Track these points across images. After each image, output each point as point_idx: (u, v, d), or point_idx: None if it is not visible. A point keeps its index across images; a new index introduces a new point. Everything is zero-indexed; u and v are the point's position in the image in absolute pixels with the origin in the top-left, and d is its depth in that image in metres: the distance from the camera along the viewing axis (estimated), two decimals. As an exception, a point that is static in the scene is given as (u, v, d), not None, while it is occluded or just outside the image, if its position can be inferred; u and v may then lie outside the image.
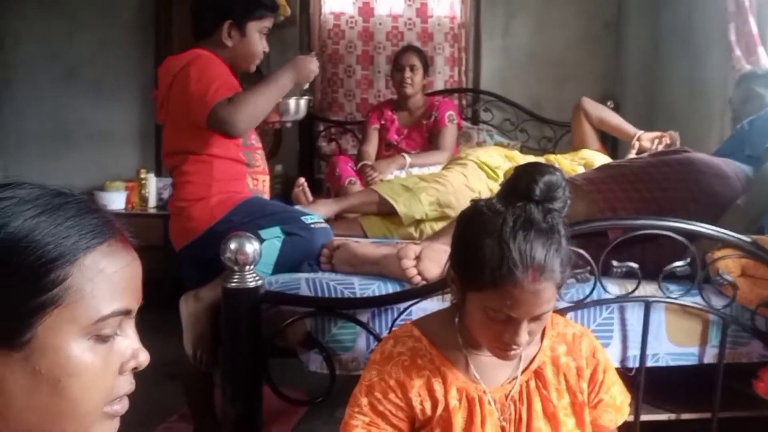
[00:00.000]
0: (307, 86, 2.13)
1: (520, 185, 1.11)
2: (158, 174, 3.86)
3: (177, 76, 1.92)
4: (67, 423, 0.62)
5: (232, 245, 1.40)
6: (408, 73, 3.24)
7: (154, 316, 2.20)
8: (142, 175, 3.78)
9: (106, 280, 0.62)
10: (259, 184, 2.02)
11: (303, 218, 1.83)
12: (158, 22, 3.91)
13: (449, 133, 3.22)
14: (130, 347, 0.66)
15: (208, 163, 1.92)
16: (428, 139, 3.26)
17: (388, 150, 3.26)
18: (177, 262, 2.01)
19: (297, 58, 2.04)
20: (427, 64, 3.30)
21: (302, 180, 2.44)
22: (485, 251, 1.04)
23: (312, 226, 1.80)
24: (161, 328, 1.98)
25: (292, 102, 2.17)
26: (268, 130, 2.71)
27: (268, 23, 2.04)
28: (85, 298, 0.61)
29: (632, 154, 2.71)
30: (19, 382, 0.59)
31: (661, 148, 2.60)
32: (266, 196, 2.06)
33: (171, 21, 3.87)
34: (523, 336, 1.06)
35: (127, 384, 0.66)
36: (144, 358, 0.67)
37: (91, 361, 0.62)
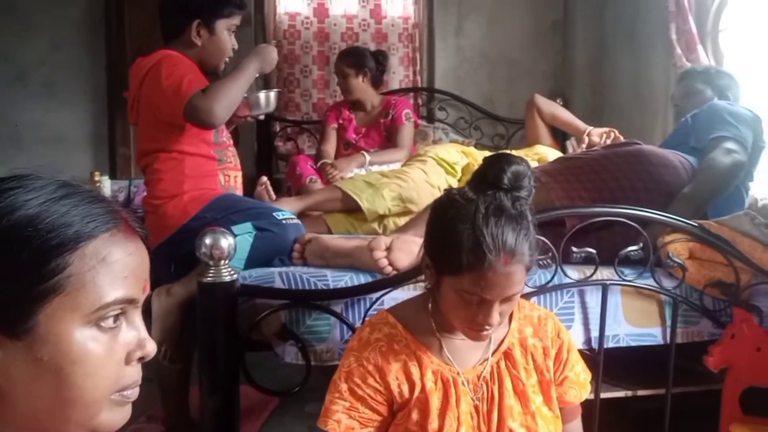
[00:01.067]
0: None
1: (489, 174, 1.18)
2: (113, 176, 3.80)
3: (147, 75, 1.93)
4: (72, 411, 0.62)
5: (207, 240, 1.42)
6: (340, 80, 3.31)
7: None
8: (96, 178, 3.71)
9: (108, 269, 0.62)
10: (231, 180, 2.03)
11: (275, 214, 1.85)
12: (109, 23, 3.85)
13: (406, 131, 3.27)
14: (136, 337, 0.66)
15: (179, 160, 1.94)
16: (386, 138, 3.31)
17: (346, 149, 3.30)
18: (153, 257, 2.00)
19: (260, 47, 2.07)
20: (362, 65, 3.24)
21: (264, 179, 2.46)
22: (460, 237, 1.10)
23: (284, 221, 1.83)
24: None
25: (262, 95, 2.20)
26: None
27: (236, 21, 2.07)
28: (87, 286, 0.61)
29: (582, 149, 2.83)
30: (24, 370, 0.60)
31: (608, 142, 2.72)
32: (239, 192, 2.08)
33: (122, 21, 3.82)
34: (495, 316, 1.13)
35: (135, 374, 0.66)
36: (151, 348, 0.67)
37: (94, 349, 0.62)
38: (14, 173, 0.64)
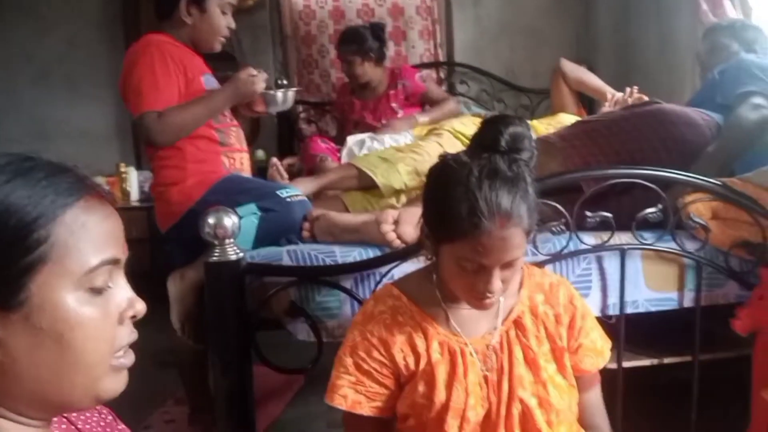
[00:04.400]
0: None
1: (486, 137, 1.13)
2: (138, 167, 3.85)
3: (127, 68, 1.93)
4: (76, 375, 0.64)
5: (211, 220, 1.41)
6: (345, 67, 3.28)
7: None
8: (122, 170, 3.77)
9: (89, 233, 0.64)
10: (236, 162, 2.02)
11: (278, 192, 1.83)
12: (126, 16, 3.88)
13: (434, 88, 3.31)
14: (125, 296, 0.67)
15: (179, 148, 1.94)
16: (413, 105, 3.27)
17: (356, 128, 3.26)
18: (163, 245, 2.02)
19: (239, 77, 2.00)
20: (364, 49, 3.18)
21: (275, 160, 2.45)
22: (453, 202, 1.06)
23: (288, 199, 1.81)
24: (151, 318, 1.99)
25: (280, 94, 2.18)
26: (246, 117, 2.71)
27: None
28: (72, 252, 0.63)
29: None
30: (23, 341, 0.61)
31: (630, 100, 2.61)
32: (246, 173, 2.06)
33: (139, 13, 3.84)
34: (496, 283, 1.09)
35: (128, 333, 0.68)
36: (141, 306, 0.68)
37: (89, 312, 0.63)
38: None
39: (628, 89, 2.68)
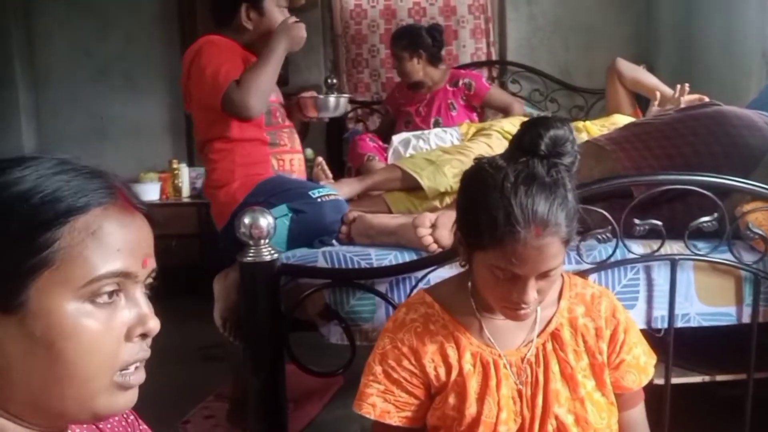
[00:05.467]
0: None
1: (525, 140, 1.09)
2: (190, 164, 3.92)
3: (192, 65, 1.95)
4: (67, 388, 0.61)
5: (246, 220, 1.41)
6: (395, 63, 3.25)
7: (194, 301, 2.25)
8: (175, 166, 3.85)
9: (99, 242, 0.62)
10: (286, 164, 2.02)
11: (310, 192, 1.81)
12: (182, 14, 3.96)
13: (499, 92, 3.28)
14: (136, 313, 0.64)
15: (229, 150, 1.95)
16: (469, 107, 3.24)
17: (407, 126, 3.23)
18: (219, 243, 2.04)
19: (285, 24, 1.99)
20: (416, 47, 3.14)
21: (320, 159, 2.44)
22: (487, 209, 1.01)
23: (319, 200, 1.78)
24: (200, 313, 2.02)
25: (332, 99, 2.19)
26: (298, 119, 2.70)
27: None
28: (77, 259, 0.60)
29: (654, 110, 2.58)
30: (18, 345, 0.60)
31: (684, 99, 2.46)
32: (298, 175, 2.06)
33: (194, 11, 3.91)
34: (531, 294, 1.04)
35: (137, 351, 0.65)
36: (153, 324, 0.65)
37: (87, 324, 0.61)
38: (17, 155, 0.64)
39: (678, 86, 2.54)
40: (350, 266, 1.53)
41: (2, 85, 3.77)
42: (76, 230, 0.61)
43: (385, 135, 3.20)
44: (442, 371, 1.15)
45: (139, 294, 0.65)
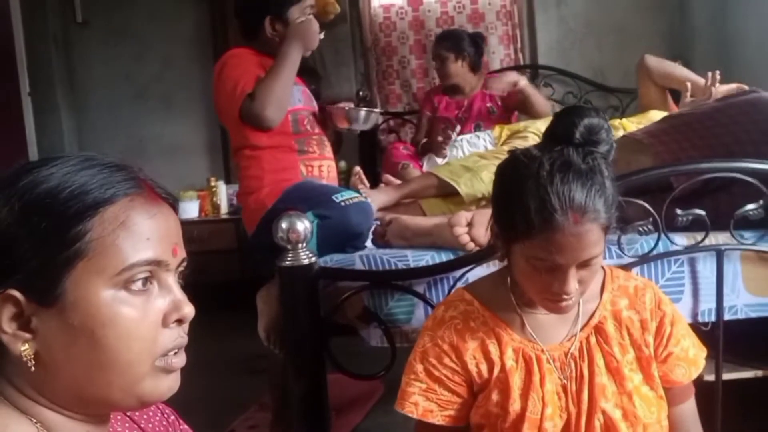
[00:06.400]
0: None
1: (559, 130, 1.08)
2: (228, 181, 3.99)
3: (217, 78, 1.99)
4: (112, 375, 0.63)
5: (284, 224, 1.42)
6: (438, 65, 3.24)
7: (235, 316, 2.28)
8: (212, 184, 3.92)
9: (129, 232, 0.63)
10: (315, 170, 2.02)
11: (334, 197, 1.79)
12: (215, 36, 4.05)
13: (535, 92, 3.14)
14: (170, 299, 0.66)
15: (257, 157, 1.98)
16: (508, 109, 3.22)
17: (445, 132, 3.22)
18: (252, 253, 2.07)
19: (296, 25, 1.97)
20: (461, 49, 3.16)
21: (357, 168, 2.45)
22: (523, 198, 1.01)
23: (342, 203, 1.76)
24: (243, 327, 2.05)
25: (363, 112, 2.22)
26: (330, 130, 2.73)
27: (309, 1, 2.02)
28: (109, 249, 0.62)
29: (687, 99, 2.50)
30: (59, 337, 0.62)
31: (716, 89, 2.36)
32: (326, 180, 2.06)
33: (227, 34, 3.99)
34: (572, 284, 1.02)
35: (175, 337, 0.66)
36: (188, 310, 0.66)
37: (124, 311, 0.62)
38: (41, 158, 0.67)
39: (709, 74, 2.46)
40: (387, 268, 1.53)
41: (46, 109, 3.91)
42: (106, 221, 0.63)
43: (421, 142, 3.20)
44: (484, 368, 1.14)
45: (172, 281, 0.67)
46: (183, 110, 4.11)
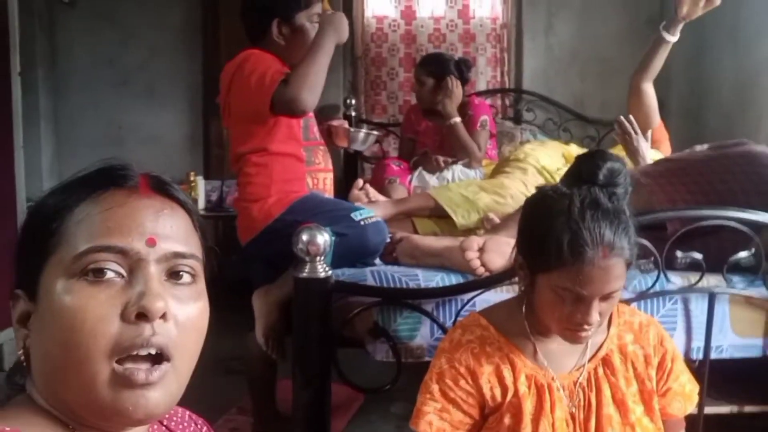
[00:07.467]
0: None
1: (584, 171, 1.15)
2: (207, 177, 3.95)
3: (234, 77, 1.96)
4: (67, 373, 0.59)
5: (304, 237, 1.44)
6: (416, 87, 3.25)
7: (214, 316, 2.27)
8: (191, 178, 3.87)
9: (89, 220, 0.62)
10: (320, 183, 2.04)
11: (352, 215, 1.81)
12: (205, 28, 4.01)
13: (480, 138, 3.11)
14: (134, 291, 0.60)
15: (265, 165, 1.95)
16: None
17: (425, 156, 3.19)
18: (243, 258, 2.06)
19: (330, 16, 1.96)
20: (443, 76, 3.11)
21: (361, 181, 2.46)
22: (555, 231, 1.07)
23: (361, 222, 1.79)
24: (217, 326, 2.03)
25: (362, 134, 2.23)
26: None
27: (317, 9, 2.01)
28: (69, 240, 0.61)
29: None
30: (35, 333, 0.62)
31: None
32: (328, 194, 2.08)
33: (218, 26, 3.97)
34: (595, 315, 1.09)
35: (135, 334, 0.59)
36: (152, 305, 0.59)
37: (75, 301, 0.59)
38: None
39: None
40: (398, 286, 1.57)
41: (25, 89, 3.79)
42: (75, 215, 0.62)
43: (411, 160, 3.21)
44: (497, 392, 1.19)
45: (150, 274, 0.61)
46: (166, 101, 4.03)
